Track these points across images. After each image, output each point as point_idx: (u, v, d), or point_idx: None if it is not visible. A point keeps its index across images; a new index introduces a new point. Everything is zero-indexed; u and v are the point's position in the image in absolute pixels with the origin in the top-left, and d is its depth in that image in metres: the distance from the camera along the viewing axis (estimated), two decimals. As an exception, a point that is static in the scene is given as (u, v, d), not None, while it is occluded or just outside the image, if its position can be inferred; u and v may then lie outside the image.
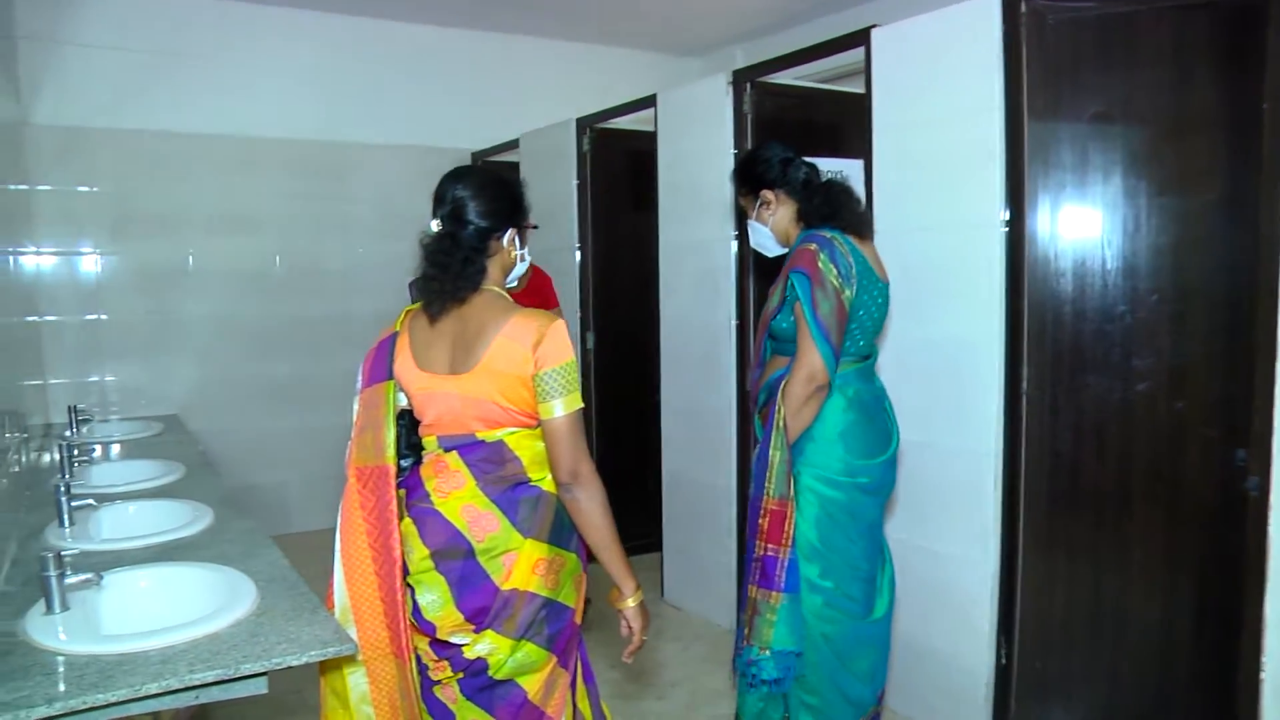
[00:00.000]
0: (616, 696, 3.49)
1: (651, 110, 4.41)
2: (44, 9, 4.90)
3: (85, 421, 4.23)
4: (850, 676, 2.59)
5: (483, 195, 2.02)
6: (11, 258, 3.81)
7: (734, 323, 3.96)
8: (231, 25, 5.46)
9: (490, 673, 2.02)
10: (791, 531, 2.51)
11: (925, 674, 3.17)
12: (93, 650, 1.83)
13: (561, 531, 2.05)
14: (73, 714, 1.68)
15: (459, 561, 2.00)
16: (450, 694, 2.08)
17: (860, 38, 3.25)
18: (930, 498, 3.11)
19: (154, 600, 2.21)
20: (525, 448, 2.01)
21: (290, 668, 1.84)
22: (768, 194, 2.68)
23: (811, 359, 2.46)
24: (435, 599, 2.01)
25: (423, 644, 2.08)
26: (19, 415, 3.46)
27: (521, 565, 1.99)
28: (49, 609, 1.97)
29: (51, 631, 1.90)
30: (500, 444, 2.01)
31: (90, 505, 2.71)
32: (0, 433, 2.95)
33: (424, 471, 2.07)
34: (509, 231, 2.06)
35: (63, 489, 2.61)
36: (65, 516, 2.60)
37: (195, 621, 1.93)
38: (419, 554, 2.02)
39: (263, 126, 5.57)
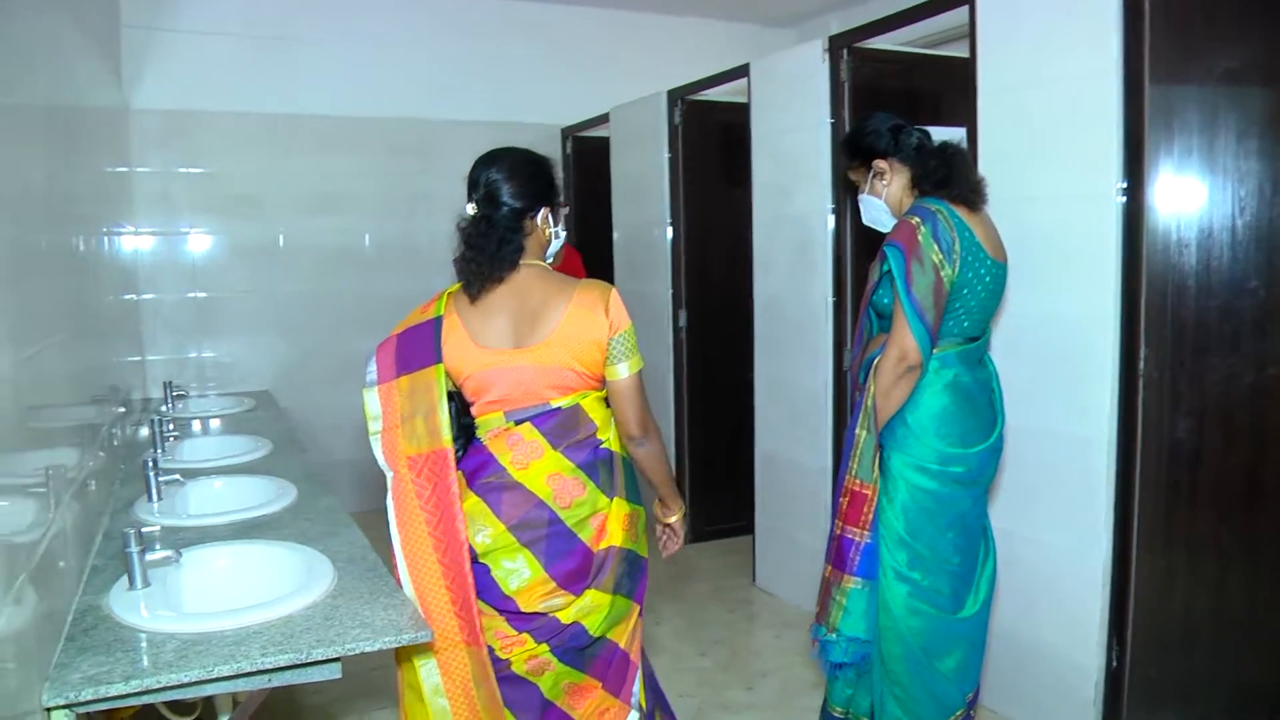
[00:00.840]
0: (703, 685, 3.40)
1: (744, 81, 4.26)
2: (147, -2, 5.04)
3: (180, 397, 4.31)
4: (937, 674, 2.46)
5: (515, 177, 2.10)
6: (111, 238, 3.88)
7: (831, 299, 3.80)
8: (323, 7, 5.50)
9: (590, 632, 2.09)
10: (871, 516, 2.43)
11: (1030, 673, 2.99)
12: (170, 628, 1.82)
13: (633, 486, 2.19)
14: (148, 692, 1.68)
15: (543, 529, 2.05)
16: (537, 663, 2.10)
17: (963, -2, 3.04)
18: (1039, 486, 2.92)
19: (232, 578, 2.21)
20: (597, 411, 2.13)
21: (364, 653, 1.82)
22: (881, 164, 2.54)
23: (903, 338, 2.32)
24: (521, 571, 2.05)
25: (498, 623, 2.09)
26: (118, 390, 3.53)
27: (613, 523, 2.10)
28: (131, 585, 1.98)
29: (133, 607, 1.90)
30: (576, 409, 2.10)
31: (178, 481, 2.73)
32: (104, 407, 3.00)
33: (494, 447, 2.09)
34: (542, 210, 2.14)
35: (151, 464, 2.64)
36: (154, 491, 2.63)
37: (270, 602, 1.91)
38: (495, 530, 2.06)
39: (353, 106, 5.60)
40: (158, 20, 5.10)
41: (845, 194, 3.67)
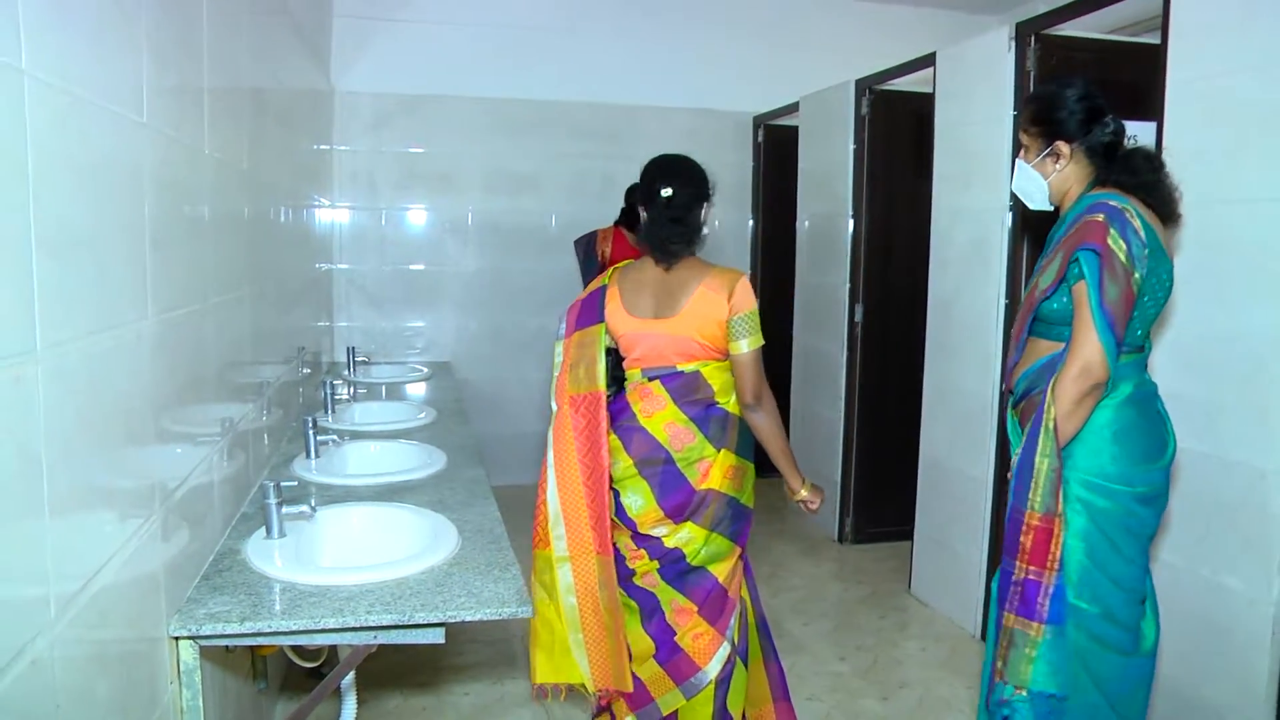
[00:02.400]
0: (837, 691, 3.31)
1: (932, 71, 4.08)
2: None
3: (363, 363, 4.58)
4: None
5: (694, 177, 2.52)
6: (308, 210, 4.16)
7: (1003, 301, 3.59)
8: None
9: (688, 560, 2.48)
10: (1059, 553, 2.16)
11: (1192, 722, 2.72)
12: (293, 578, 1.94)
13: (744, 444, 2.52)
14: (260, 635, 1.80)
15: (659, 468, 2.47)
16: (651, 580, 2.53)
17: (1162, -22, 2.77)
18: (1208, 517, 2.64)
19: (365, 537, 2.33)
20: (716, 377, 2.49)
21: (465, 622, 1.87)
22: (1061, 146, 2.26)
23: (1089, 351, 2.10)
24: (639, 499, 2.48)
25: (624, 539, 2.53)
26: (304, 352, 3.79)
27: (716, 470, 2.47)
28: (269, 534, 2.13)
29: (266, 555, 2.04)
30: (696, 374, 2.48)
31: (334, 441, 2.90)
32: (282, 367, 3.23)
33: (630, 397, 2.53)
34: (707, 204, 2.54)
35: (310, 424, 2.82)
36: (312, 449, 2.81)
37: (389, 563, 2.01)
38: (624, 464, 2.49)
39: (550, 90, 5.75)
40: (368, 10, 5.43)
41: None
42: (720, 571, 2.51)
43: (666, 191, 2.47)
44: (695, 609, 2.50)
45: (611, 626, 2.44)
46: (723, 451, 2.48)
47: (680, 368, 2.48)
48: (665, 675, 2.51)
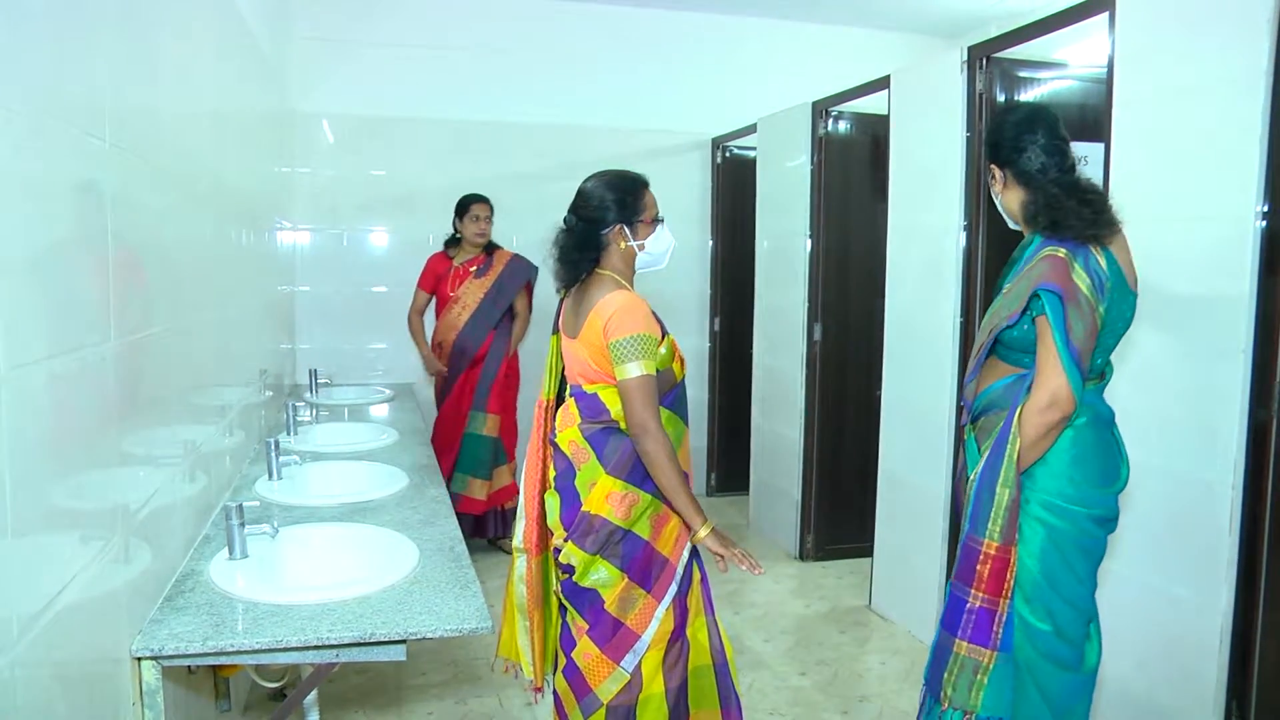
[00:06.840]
0: (797, 704, 3.35)
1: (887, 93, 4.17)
2: (323, 13, 5.41)
3: (324, 385, 4.57)
4: None
5: (595, 196, 2.47)
6: (271, 232, 4.16)
7: (958, 320, 3.67)
8: (483, 18, 5.71)
9: (575, 578, 2.45)
10: (1013, 581, 2.19)
11: (1143, 728, 2.79)
12: (255, 598, 1.95)
13: (639, 473, 2.42)
14: (223, 654, 1.80)
15: (568, 483, 2.48)
16: (559, 590, 2.57)
17: (1103, 3, 2.85)
18: (1157, 529, 2.72)
19: (325, 557, 2.34)
20: (613, 402, 2.44)
21: (425, 639, 1.89)
22: (995, 170, 2.29)
23: (1057, 384, 2.09)
24: (552, 511, 2.52)
25: (556, 543, 2.55)
26: (269, 375, 3.78)
27: (596, 493, 2.42)
28: (231, 554, 2.13)
29: (228, 575, 2.05)
30: (595, 396, 2.47)
31: (295, 462, 2.91)
32: (244, 389, 3.23)
33: (560, 412, 2.58)
34: (617, 226, 2.45)
35: (273, 445, 2.82)
36: (274, 470, 2.81)
37: (352, 582, 2.03)
38: (551, 474, 2.56)
39: (504, 112, 5.77)
40: (329, 33, 5.44)
41: (978, 210, 3.54)
42: (607, 596, 2.42)
43: (565, 219, 2.52)
44: (585, 628, 2.46)
45: (532, 624, 2.61)
46: (606, 475, 2.42)
47: (585, 388, 2.48)
48: (569, 689, 2.49)
